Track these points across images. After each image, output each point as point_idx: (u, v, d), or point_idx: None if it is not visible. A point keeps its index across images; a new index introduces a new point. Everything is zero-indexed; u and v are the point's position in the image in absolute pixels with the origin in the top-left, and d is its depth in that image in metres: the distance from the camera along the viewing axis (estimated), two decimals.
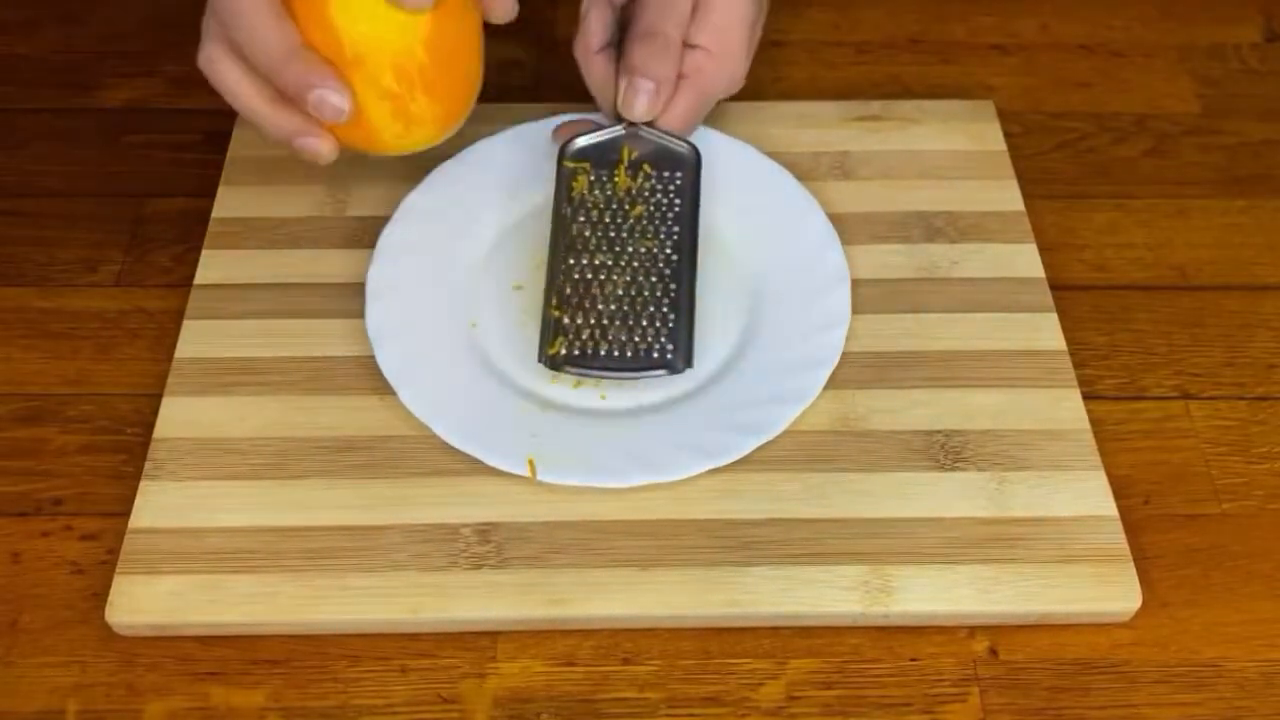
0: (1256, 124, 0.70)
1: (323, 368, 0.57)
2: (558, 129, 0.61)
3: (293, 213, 0.63)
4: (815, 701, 0.49)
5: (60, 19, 0.74)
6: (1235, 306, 0.62)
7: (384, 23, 0.49)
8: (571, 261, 0.56)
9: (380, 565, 0.51)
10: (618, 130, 0.59)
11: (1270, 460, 0.56)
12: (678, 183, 0.59)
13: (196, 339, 0.58)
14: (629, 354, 0.55)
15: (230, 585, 0.50)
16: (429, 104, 0.52)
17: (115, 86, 0.71)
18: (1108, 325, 0.61)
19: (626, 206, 0.58)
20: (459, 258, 0.60)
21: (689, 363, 0.55)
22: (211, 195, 0.63)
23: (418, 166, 0.63)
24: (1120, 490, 0.54)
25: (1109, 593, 0.50)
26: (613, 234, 0.57)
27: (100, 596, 0.50)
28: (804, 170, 0.64)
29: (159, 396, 0.56)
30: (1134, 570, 0.51)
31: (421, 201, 0.61)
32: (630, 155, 0.59)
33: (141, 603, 0.50)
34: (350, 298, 0.59)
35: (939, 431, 0.55)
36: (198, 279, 0.60)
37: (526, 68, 0.72)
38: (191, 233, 0.63)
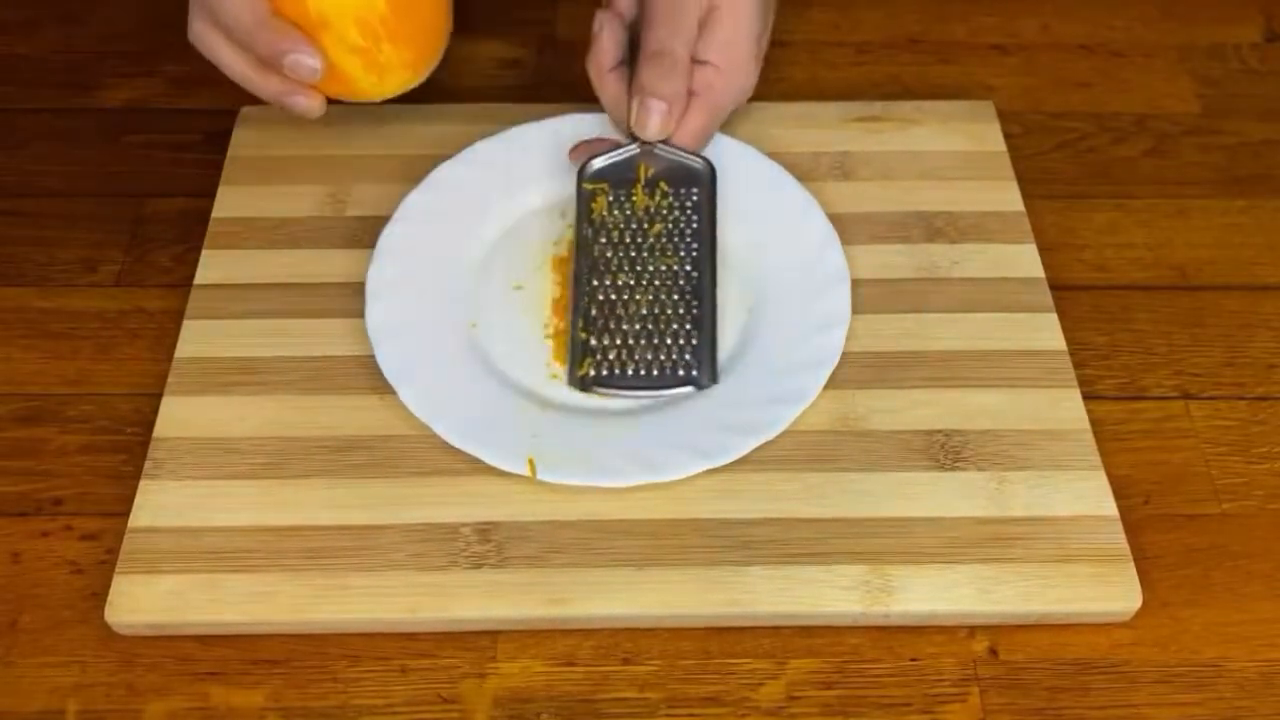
0: (1256, 124, 0.70)
1: (323, 368, 0.57)
2: (574, 149, 0.61)
3: (293, 213, 0.63)
4: (815, 701, 0.49)
5: (60, 19, 0.74)
6: (1235, 306, 0.62)
7: None
8: (595, 283, 0.57)
9: (380, 565, 0.51)
10: (633, 149, 0.59)
11: (1270, 460, 0.56)
12: (694, 199, 0.59)
13: (196, 339, 0.58)
14: (655, 372, 0.56)
15: (230, 585, 0.50)
16: (396, 52, 0.55)
17: (115, 86, 0.71)
18: (1108, 325, 0.61)
19: (645, 225, 0.59)
20: (459, 258, 0.60)
21: (714, 379, 0.55)
22: (211, 195, 0.63)
23: (418, 166, 0.63)
24: (1120, 490, 0.54)
25: (1109, 593, 0.50)
26: (634, 253, 0.58)
27: (100, 596, 0.50)
28: (804, 170, 0.64)
29: (159, 396, 0.56)
30: (1134, 570, 0.51)
31: (421, 201, 0.61)
32: (647, 173, 0.59)
33: (141, 602, 0.50)
34: (350, 298, 0.59)
35: (939, 431, 0.55)
36: (198, 279, 0.60)
37: (526, 68, 0.72)
38: (191, 233, 0.63)
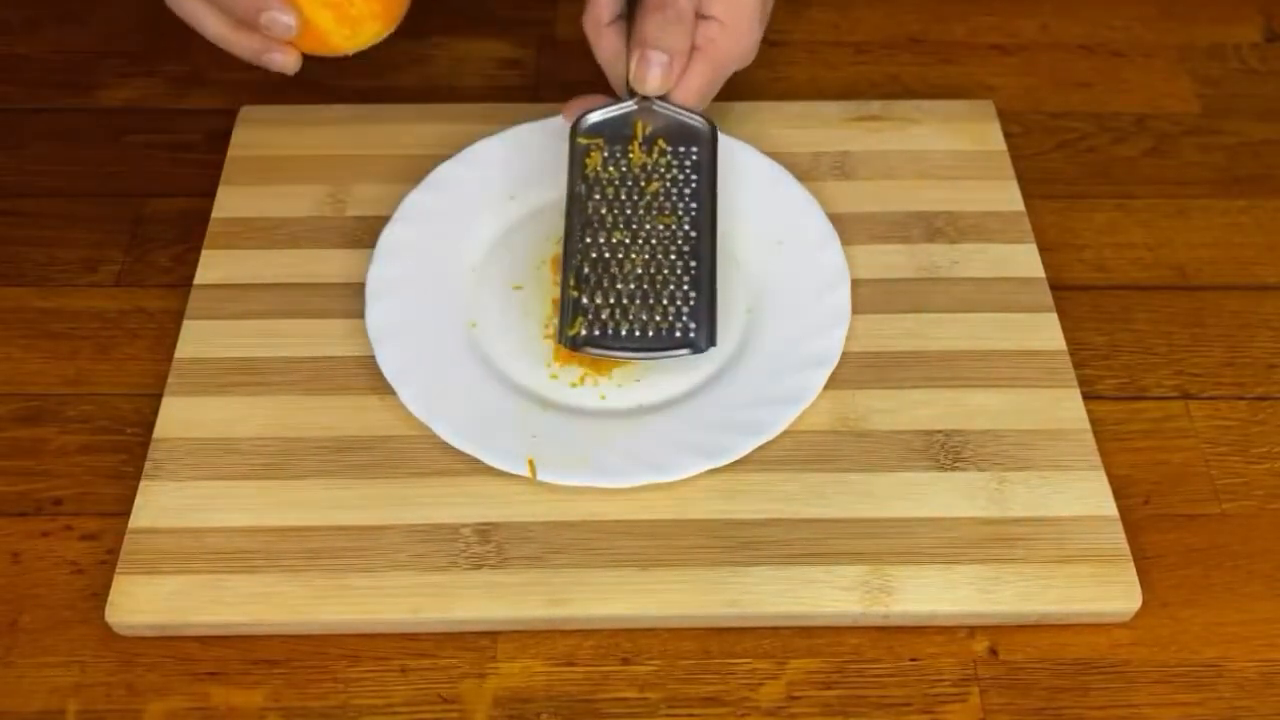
0: (1256, 124, 0.70)
1: (323, 368, 0.57)
2: (568, 105, 0.60)
3: (293, 213, 0.63)
4: (815, 701, 0.49)
5: (60, 19, 0.74)
6: (1235, 306, 0.62)
7: None
8: (589, 240, 0.56)
9: (380, 565, 0.51)
10: (630, 105, 0.57)
11: (1270, 460, 0.56)
12: (694, 158, 0.58)
13: (196, 339, 0.58)
14: (650, 333, 0.54)
15: (230, 585, 0.50)
16: (366, 4, 0.56)
17: (115, 86, 0.71)
18: (1108, 325, 0.61)
19: (642, 183, 0.57)
20: (459, 258, 0.61)
21: (712, 341, 0.54)
22: (211, 195, 0.63)
23: (418, 166, 0.63)
24: (1120, 490, 0.54)
25: (1109, 593, 0.50)
26: (629, 211, 0.56)
27: (100, 596, 0.50)
28: (804, 170, 0.64)
29: (159, 396, 0.56)
30: (1134, 570, 0.51)
31: (421, 201, 0.61)
32: (644, 130, 0.58)
33: (141, 603, 0.50)
34: (350, 298, 0.59)
35: (939, 431, 0.55)
36: (198, 279, 0.60)
37: (526, 68, 0.72)
38: (191, 233, 0.63)
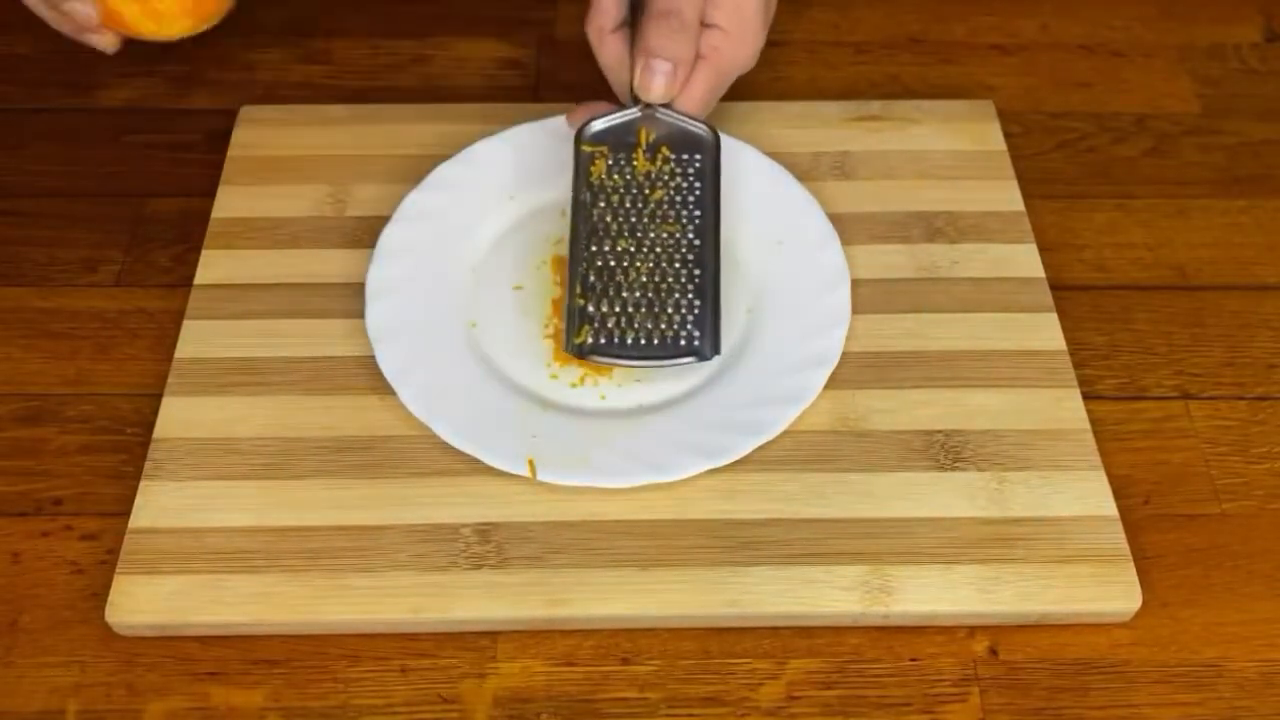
0: (1256, 124, 0.70)
1: (323, 368, 0.57)
2: (573, 112, 0.60)
3: (293, 213, 0.63)
4: (815, 701, 0.49)
5: None
6: (1235, 306, 0.62)
7: None
8: (594, 248, 0.56)
9: (380, 565, 0.51)
10: (634, 113, 0.57)
11: (1270, 460, 0.56)
12: (697, 165, 0.58)
13: (196, 339, 0.58)
14: (656, 341, 0.55)
15: (230, 585, 0.50)
16: (176, 1, 0.58)
17: (115, 86, 0.71)
18: (1108, 325, 0.61)
19: (646, 191, 0.57)
20: (459, 258, 0.61)
21: (716, 349, 0.54)
22: (211, 195, 0.63)
23: (418, 166, 0.63)
24: (1120, 490, 0.54)
25: (1109, 593, 0.50)
26: (634, 219, 0.57)
27: (100, 596, 0.50)
28: (804, 170, 0.64)
29: (159, 396, 0.56)
30: (1134, 570, 0.51)
31: (421, 201, 0.61)
32: (648, 138, 0.58)
33: (141, 603, 0.50)
34: (350, 298, 0.59)
35: (939, 431, 0.55)
36: (198, 279, 0.60)
37: (526, 68, 0.72)
38: (191, 233, 0.63)
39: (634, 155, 0.58)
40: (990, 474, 0.54)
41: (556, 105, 0.65)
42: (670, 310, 0.55)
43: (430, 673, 0.50)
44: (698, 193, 0.57)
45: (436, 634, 0.50)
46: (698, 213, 0.57)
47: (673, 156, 0.58)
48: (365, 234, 0.61)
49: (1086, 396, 0.56)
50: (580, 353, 0.54)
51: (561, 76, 0.71)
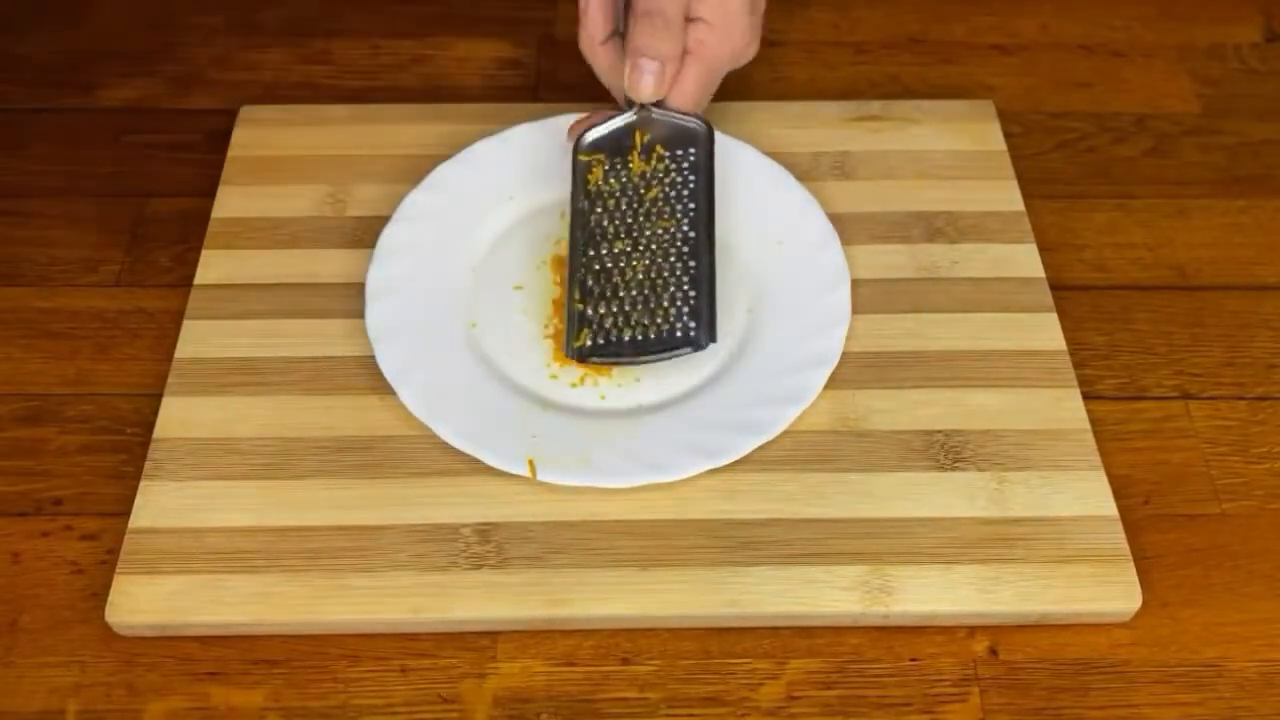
0: (1256, 124, 0.70)
1: (323, 368, 0.57)
2: (572, 126, 0.60)
3: (293, 213, 0.63)
4: (815, 701, 0.49)
5: (60, 19, 0.74)
6: (1235, 306, 0.62)
7: None
8: (591, 253, 0.56)
9: (380, 565, 0.51)
10: (629, 116, 0.58)
11: (1270, 460, 0.56)
12: (691, 159, 0.58)
13: (196, 339, 0.58)
14: (653, 336, 0.55)
15: (230, 585, 0.50)
16: None
17: (115, 86, 0.71)
18: (1108, 325, 0.61)
19: (642, 191, 0.57)
20: (459, 258, 0.60)
21: (713, 337, 0.54)
22: (211, 195, 0.63)
23: (418, 166, 0.63)
24: (1120, 490, 0.54)
25: (1109, 593, 0.50)
26: (630, 220, 0.57)
27: (100, 596, 0.50)
28: (804, 170, 0.64)
29: (159, 396, 0.56)
30: (1134, 570, 0.51)
31: (421, 201, 0.61)
32: (643, 139, 0.58)
33: (141, 603, 0.50)
34: (350, 298, 0.59)
35: (939, 431, 0.55)
36: (198, 279, 0.60)
37: (526, 68, 0.72)
38: (191, 233, 0.63)
39: (629, 157, 0.58)
40: (990, 474, 0.54)
41: (556, 105, 0.65)
42: (666, 304, 0.55)
43: (430, 673, 0.50)
44: (692, 186, 0.57)
45: (436, 634, 0.50)
46: (692, 205, 0.57)
47: (667, 154, 0.58)
48: (365, 234, 0.61)
49: (1086, 396, 0.56)
50: (580, 356, 0.55)
51: (561, 76, 0.71)
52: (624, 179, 0.57)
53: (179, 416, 0.55)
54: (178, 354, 0.57)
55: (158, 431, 0.54)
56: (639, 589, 0.50)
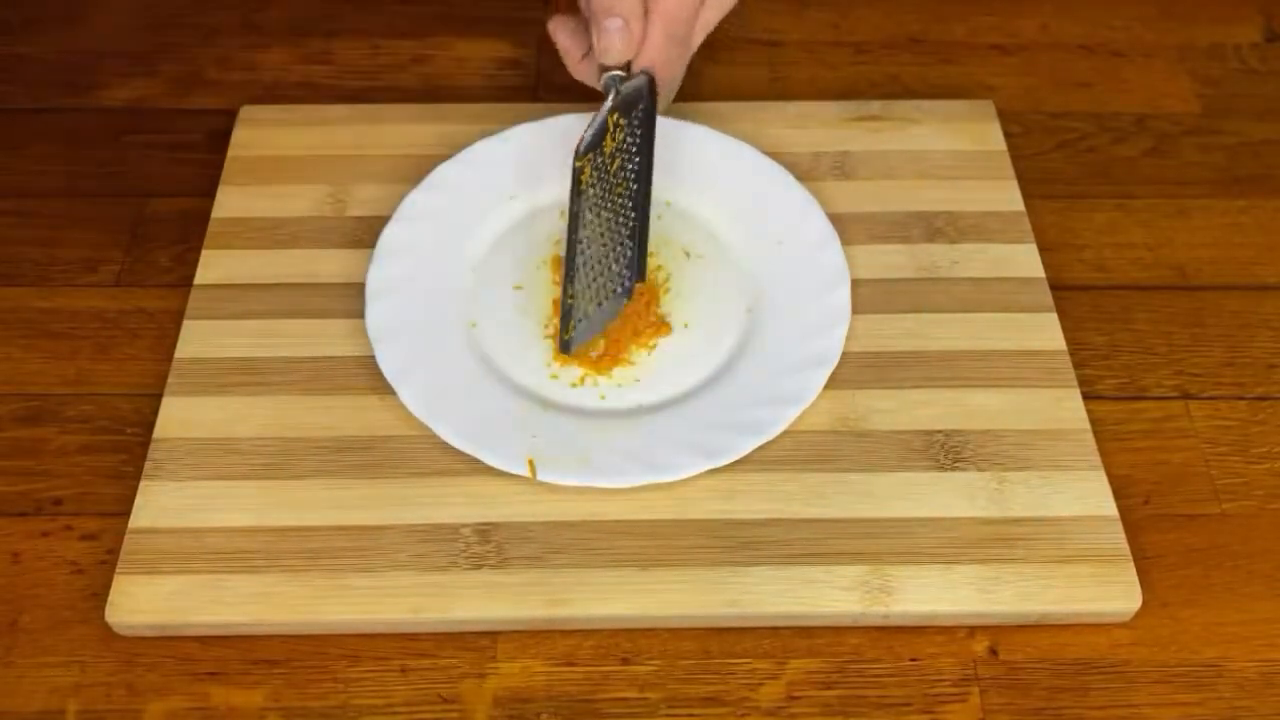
0: (1256, 124, 0.70)
1: (323, 368, 0.57)
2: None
3: (293, 213, 0.63)
4: (815, 701, 0.49)
5: (60, 19, 0.74)
6: (1235, 306, 0.62)
7: None
8: (582, 251, 0.56)
9: (380, 565, 0.51)
10: (608, 103, 0.56)
11: (1270, 460, 0.56)
12: (640, 115, 0.57)
13: (196, 339, 0.58)
14: (605, 302, 0.56)
15: (230, 585, 0.50)
16: None
17: (115, 86, 0.71)
18: (1108, 325, 0.61)
19: (612, 168, 0.57)
20: (459, 258, 0.61)
21: (642, 277, 0.55)
22: (211, 195, 0.63)
23: (418, 166, 0.63)
24: (1120, 490, 0.54)
25: (1109, 593, 0.50)
26: (607, 203, 0.57)
27: (100, 596, 0.50)
28: (804, 170, 0.64)
29: (159, 396, 0.56)
30: (1134, 570, 0.51)
31: (421, 201, 0.61)
32: (617, 123, 0.57)
33: (141, 603, 0.50)
34: (350, 298, 0.59)
35: (939, 431, 0.55)
36: (198, 279, 0.60)
37: (526, 68, 0.72)
38: (191, 233, 0.63)
39: (604, 144, 0.56)
40: (990, 474, 0.54)
41: (556, 105, 0.65)
42: (614, 267, 0.56)
43: (430, 673, 0.50)
44: (638, 142, 0.57)
45: (436, 634, 0.50)
46: (637, 158, 0.57)
47: (624, 121, 0.56)
48: (365, 234, 0.61)
49: (1086, 396, 0.56)
50: (565, 349, 0.55)
51: (561, 76, 0.70)
52: (602, 167, 0.57)
53: (179, 416, 0.55)
54: (178, 354, 0.57)
55: (158, 431, 0.54)
56: (639, 589, 0.50)
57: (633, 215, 0.57)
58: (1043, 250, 0.62)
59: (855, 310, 0.58)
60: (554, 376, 0.56)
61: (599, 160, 0.57)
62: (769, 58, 0.72)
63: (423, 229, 0.61)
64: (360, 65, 0.72)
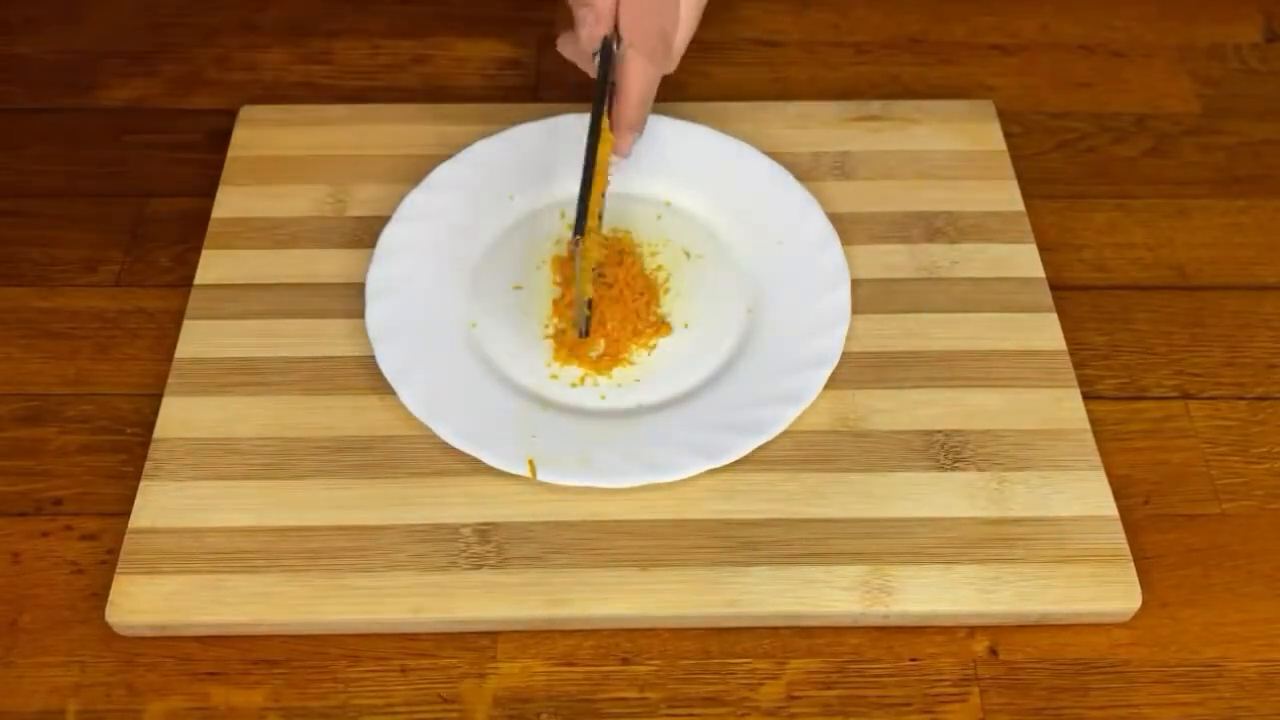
0: (1256, 124, 0.70)
1: (323, 368, 0.57)
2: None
3: (293, 213, 0.63)
4: (815, 701, 0.49)
5: (60, 19, 0.74)
6: (1235, 306, 0.62)
7: None
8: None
9: (380, 565, 0.51)
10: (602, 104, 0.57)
11: (1270, 460, 0.56)
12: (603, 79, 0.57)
13: (196, 339, 0.58)
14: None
15: (230, 585, 0.50)
16: None
17: (115, 86, 0.71)
18: (1108, 325, 0.61)
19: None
20: (459, 258, 0.61)
21: (580, 231, 0.53)
22: (211, 195, 0.63)
23: (418, 166, 0.63)
24: (1120, 490, 0.54)
25: (1109, 593, 0.50)
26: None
27: (100, 596, 0.50)
28: (804, 170, 0.64)
29: (159, 396, 0.56)
30: (1134, 570, 0.51)
31: (421, 201, 0.61)
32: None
33: (141, 603, 0.50)
34: (350, 298, 0.59)
35: (939, 431, 0.55)
36: (198, 279, 0.60)
37: (526, 68, 0.72)
38: (191, 233, 0.63)
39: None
40: (990, 474, 0.54)
41: (556, 105, 0.65)
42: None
43: (430, 673, 0.50)
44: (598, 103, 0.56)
45: (436, 634, 0.50)
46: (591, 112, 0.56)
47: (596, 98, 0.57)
48: (365, 234, 0.61)
49: (1086, 396, 0.56)
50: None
51: (561, 76, 0.71)
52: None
53: (179, 416, 0.55)
54: (178, 354, 0.57)
55: (158, 431, 0.54)
56: (639, 589, 0.50)
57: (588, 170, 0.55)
58: (1043, 250, 0.62)
59: (855, 310, 0.58)
60: (554, 376, 0.56)
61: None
62: (769, 58, 0.72)
63: (423, 229, 0.61)
64: (360, 65, 0.72)
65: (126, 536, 0.51)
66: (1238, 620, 0.51)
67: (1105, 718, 0.49)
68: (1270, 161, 0.68)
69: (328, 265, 0.61)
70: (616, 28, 0.56)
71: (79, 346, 0.59)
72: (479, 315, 0.59)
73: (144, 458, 0.54)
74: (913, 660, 0.50)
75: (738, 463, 0.53)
